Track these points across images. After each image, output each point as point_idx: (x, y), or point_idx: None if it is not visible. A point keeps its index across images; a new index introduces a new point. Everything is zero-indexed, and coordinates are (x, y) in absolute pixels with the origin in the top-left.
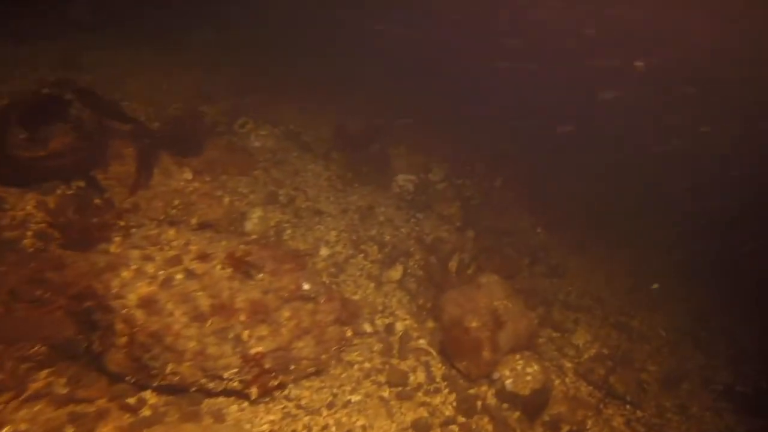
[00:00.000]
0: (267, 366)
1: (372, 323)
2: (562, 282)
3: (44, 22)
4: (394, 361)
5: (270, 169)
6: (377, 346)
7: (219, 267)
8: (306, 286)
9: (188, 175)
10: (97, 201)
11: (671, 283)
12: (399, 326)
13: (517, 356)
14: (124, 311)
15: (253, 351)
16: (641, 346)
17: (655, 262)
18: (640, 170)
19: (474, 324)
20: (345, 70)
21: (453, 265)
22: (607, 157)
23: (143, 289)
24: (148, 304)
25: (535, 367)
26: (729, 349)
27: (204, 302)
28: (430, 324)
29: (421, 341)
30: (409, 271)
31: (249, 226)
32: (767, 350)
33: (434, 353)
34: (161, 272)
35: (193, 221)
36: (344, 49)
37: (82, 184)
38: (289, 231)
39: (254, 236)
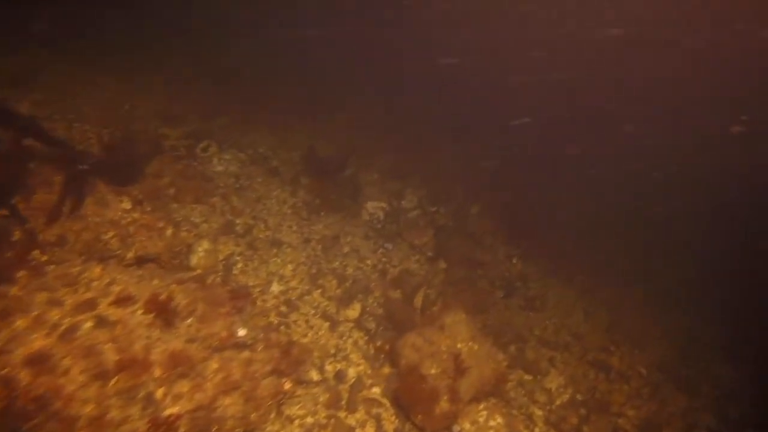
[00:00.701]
0: (182, 430)
1: (320, 370)
2: (539, 316)
3: (2, 35)
4: (342, 414)
5: (230, 195)
6: (323, 397)
7: (139, 312)
8: (241, 332)
9: (127, 205)
10: (17, 232)
11: (654, 314)
12: (351, 372)
13: (481, 405)
14: (4, 371)
15: (166, 413)
16: (620, 386)
17: (638, 294)
18: (627, 193)
19: (433, 371)
20: (322, 90)
21: (419, 300)
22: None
23: (37, 342)
24: (38, 361)
25: (499, 420)
26: (714, 390)
27: (111, 356)
28: (386, 370)
29: (375, 390)
30: (368, 308)
31: (194, 260)
32: (754, 391)
33: (388, 404)
34: (66, 320)
35: (129, 255)
36: (322, 69)
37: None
38: (240, 264)
39: (198, 271)
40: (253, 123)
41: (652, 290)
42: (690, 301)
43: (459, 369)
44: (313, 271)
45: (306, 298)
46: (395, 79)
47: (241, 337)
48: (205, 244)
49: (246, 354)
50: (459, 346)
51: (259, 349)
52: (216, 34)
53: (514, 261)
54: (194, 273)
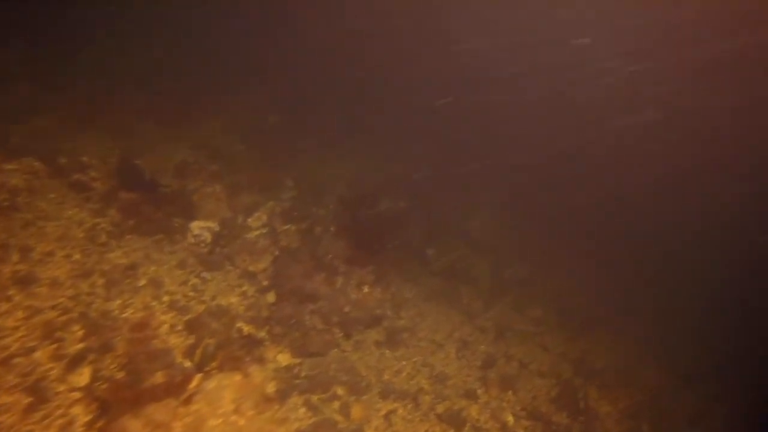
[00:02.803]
0: None
1: None
2: (397, 354)
3: None
4: None
5: None
6: None
7: None
8: None
9: None
10: None
11: (545, 343)
12: None
13: None
14: None
15: None
16: None
17: (535, 313)
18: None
19: None
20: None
21: (199, 354)
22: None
23: None
24: None
25: None
26: None
27: None
28: None
29: None
30: (102, 373)
31: None
32: None
33: None
34: None
35: None
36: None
37: None
38: None
39: None
40: (92, 125)
41: (546, 314)
42: (591, 328)
43: None
44: (63, 317)
45: (16, 360)
46: (286, 73)
47: None
48: None
49: None
50: (211, 423)
51: None
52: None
53: (366, 289)
54: None
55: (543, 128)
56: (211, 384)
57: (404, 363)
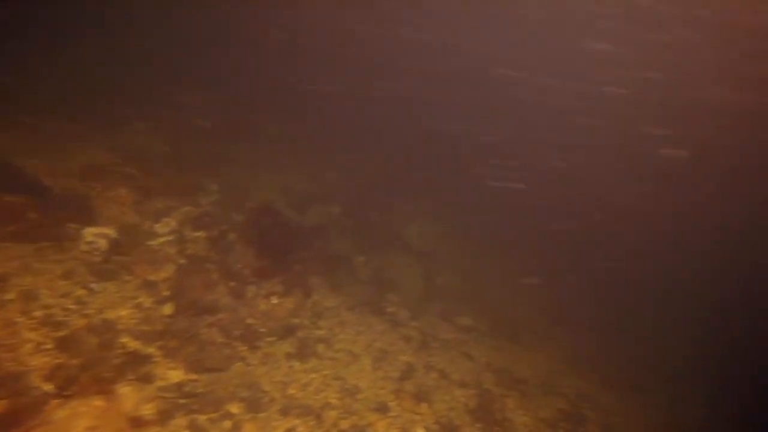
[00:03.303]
0: None
1: None
2: (308, 366)
3: None
4: None
5: None
6: None
7: None
8: None
9: None
10: None
11: (469, 352)
12: None
13: None
14: None
15: None
16: None
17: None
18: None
19: None
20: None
21: (62, 376)
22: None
23: None
24: None
25: None
26: None
27: None
28: None
29: None
30: None
31: None
32: None
33: None
34: None
35: None
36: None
37: None
38: None
39: None
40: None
41: (476, 322)
42: (520, 337)
43: None
44: None
45: None
46: (223, 79)
47: None
48: None
49: None
50: None
51: None
52: None
53: (274, 300)
54: None
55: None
56: (61, 413)
57: (314, 376)
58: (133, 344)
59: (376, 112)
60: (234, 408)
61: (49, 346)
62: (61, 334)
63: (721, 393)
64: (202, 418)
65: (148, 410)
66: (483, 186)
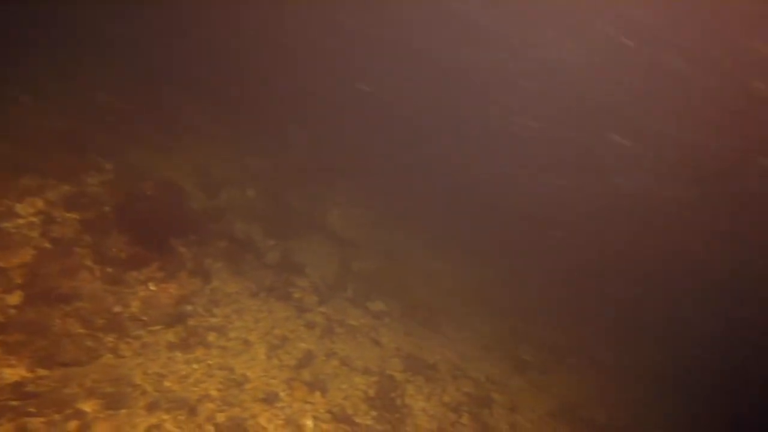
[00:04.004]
0: None
1: None
2: (193, 356)
3: None
4: None
5: None
6: None
7: None
8: None
9: None
10: None
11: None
12: None
13: None
14: None
15: None
16: None
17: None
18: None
19: None
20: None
21: None
22: None
23: None
24: None
25: None
26: None
27: None
28: None
29: None
30: None
31: None
32: None
33: None
34: None
35: None
36: None
37: None
38: None
39: None
40: None
41: (389, 308)
42: (434, 322)
43: None
44: None
45: None
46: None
47: None
48: None
49: None
50: None
51: None
52: None
53: (152, 287)
54: None
55: (413, 130)
56: None
57: (196, 366)
58: None
59: (307, 96)
60: (88, 406)
61: None
62: None
63: (630, 369)
64: (36, 422)
65: None
66: (412, 171)
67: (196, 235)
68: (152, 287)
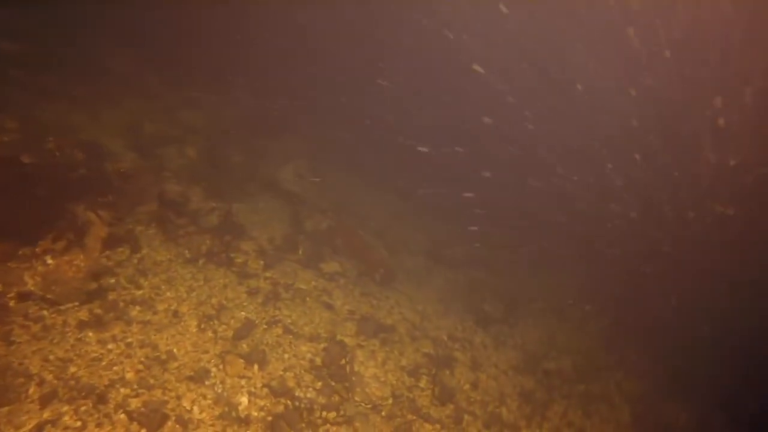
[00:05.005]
0: None
1: None
2: (99, 338)
3: None
4: None
5: None
6: None
7: None
8: None
9: None
10: None
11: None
12: None
13: None
14: None
15: None
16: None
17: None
18: None
19: None
20: None
21: None
22: None
23: None
24: None
25: None
26: None
27: None
28: None
29: None
30: None
31: None
32: None
33: None
34: None
35: None
36: None
37: None
38: None
39: None
40: None
41: (344, 268)
42: (394, 279)
43: None
44: None
45: None
46: None
47: None
48: None
49: None
50: None
51: None
52: None
53: (50, 260)
54: None
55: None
56: None
57: (111, 347)
58: None
59: (249, 44)
60: None
61: None
62: None
63: (597, 317)
64: None
65: None
66: (370, 126)
67: (120, 200)
68: (49, 260)
